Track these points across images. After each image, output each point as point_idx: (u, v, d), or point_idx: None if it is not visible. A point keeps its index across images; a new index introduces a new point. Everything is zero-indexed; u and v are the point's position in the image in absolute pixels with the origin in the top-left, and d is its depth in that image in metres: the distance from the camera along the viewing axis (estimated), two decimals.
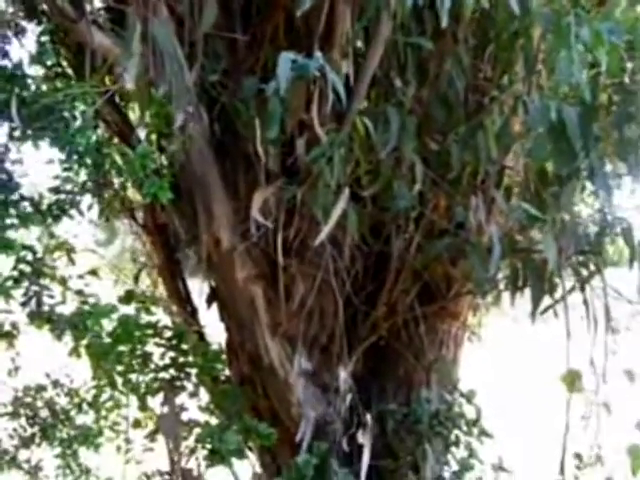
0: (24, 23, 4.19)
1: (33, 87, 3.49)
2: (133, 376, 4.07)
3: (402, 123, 3.62)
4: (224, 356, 4.32)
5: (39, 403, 4.75)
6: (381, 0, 3.38)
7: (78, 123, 3.44)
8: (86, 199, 3.80)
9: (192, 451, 4.08)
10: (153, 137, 3.92)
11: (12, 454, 4.75)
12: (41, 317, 3.72)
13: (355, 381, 4.32)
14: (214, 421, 4.24)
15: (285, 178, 3.87)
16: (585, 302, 3.89)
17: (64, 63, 4.45)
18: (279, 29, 3.91)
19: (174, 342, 4.13)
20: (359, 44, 3.94)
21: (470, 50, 3.84)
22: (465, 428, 4.40)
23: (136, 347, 4.02)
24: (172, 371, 4.13)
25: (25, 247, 3.68)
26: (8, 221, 3.49)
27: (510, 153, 3.98)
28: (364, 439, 4.21)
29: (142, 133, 4.23)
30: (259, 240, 3.92)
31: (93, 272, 4.09)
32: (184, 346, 4.13)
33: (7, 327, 4.18)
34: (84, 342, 3.82)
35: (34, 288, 3.68)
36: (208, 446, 4.00)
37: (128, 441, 4.74)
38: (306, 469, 4.00)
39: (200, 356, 4.13)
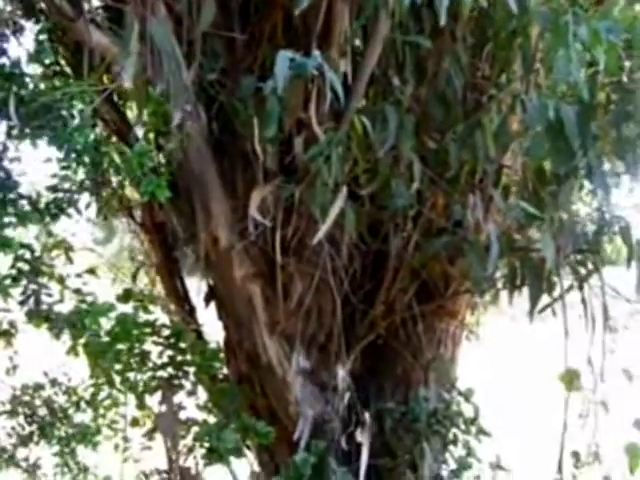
0: (22, 21, 4.19)
1: (31, 85, 3.49)
2: (131, 374, 4.07)
3: (400, 122, 3.62)
4: (222, 355, 4.33)
5: (37, 401, 4.76)
6: None
7: (76, 122, 3.44)
8: (84, 197, 3.81)
9: (190, 450, 4.08)
10: (151, 136, 3.92)
11: (10, 452, 4.75)
12: (39, 316, 3.72)
13: (353, 380, 4.32)
14: (212, 420, 4.24)
15: (283, 177, 3.87)
16: (583, 301, 3.89)
17: (62, 62, 4.45)
18: (277, 28, 3.90)
19: (172, 341, 4.13)
20: (357, 43, 3.94)
21: (468, 49, 3.84)
22: (463, 427, 4.40)
23: (134, 345, 4.01)
24: (170, 370, 4.13)
25: (23, 245, 3.68)
26: (6, 219, 3.49)
27: (508, 152, 3.98)
28: (362, 438, 4.21)
29: (140, 132, 4.23)
30: (257, 239, 3.92)
31: (91, 271, 4.10)
32: (182, 345, 4.13)
33: (5, 326, 4.17)
34: (82, 341, 3.82)
35: (32, 287, 3.68)
36: (206, 445, 4.00)
37: (126, 439, 4.75)
38: (304, 468, 4.00)
39: (198, 355, 4.13)
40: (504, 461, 4.48)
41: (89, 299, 3.84)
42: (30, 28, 4.15)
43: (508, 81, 3.87)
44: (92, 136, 3.52)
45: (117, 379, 4.10)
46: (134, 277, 5.46)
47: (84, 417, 4.79)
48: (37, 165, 3.68)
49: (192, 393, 4.21)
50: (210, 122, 3.93)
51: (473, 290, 4.38)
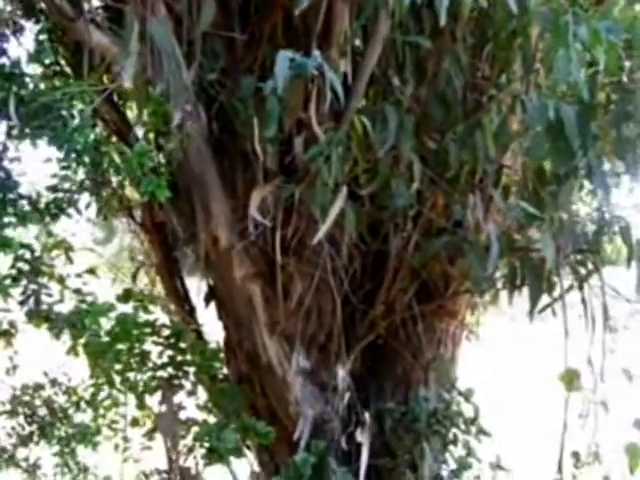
0: (22, 21, 4.19)
1: (31, 85, 3.49)
2: (131, 374, 4.07)
3: (400, 122, 3.62)
4: (222, 355, 4.33)
5: (37, 401, 4.76)
6: None
7: (76, 122, 3.44)
8: (84, 198, 3.80)
9: (190, 450, 4.08)
10: (151, 136, 3.92)
11: (10, 452, 4.75)
12: (39, 316, 3.72)
13: (353, 380, 4.32)
14: (212, 420, 4.24)
15: (283, 177, 3.87)
16: (583, 301, 3.89)
17: (62, 62, 4.45)
18: (277, 28, 3.90)
19: (172, 341, 4.13)
20: (357, 43, 3.94)
21: (468, 49, 3.83)
22: (463, 427, 4.40)
23: (134, 346, 4.01)
24: (170, 370, 4.13)
25: (23, 245, 3.68)
26: (6, 219, 3.49)
27: (508, 152, 3.99)
28: (362, 438, 4.21)
29: (140, 132, 4.23)
30: (257, 239, 3.92)
31: (91, 271, 4.09)
32: (182, 345, 4.13)
33: (5, 326, 4.18)
34: (82, 341, 3.82)
35: (32, 286, 3.68)
36: (206, 445, 4.00)
37: (126, 439, 4.74)
38: (304, 468, 4.00)
39: (198, 355, 4.13)
40: (504, 461, 4.48)
41: (89, 299, 3.84)
42: (30, 28, 4.15)
43: (508, 81, 3.87)
44: (92, 136, 3.52)
45: (117, 379, 4.09)
46: (134, 277, 5.46)
47: (84, 417, 4.79)
48: (37, 165, 3.68)
49: (192, 393, 4.20)
50: (210, 122, 3.93)
51: (473, 290, 4.39)
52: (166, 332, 4.14)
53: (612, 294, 3.96)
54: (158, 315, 4.30)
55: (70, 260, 3.97)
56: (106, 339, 3.87)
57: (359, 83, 3.62)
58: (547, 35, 3.42)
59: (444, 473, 4.40)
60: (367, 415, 4.25)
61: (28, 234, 3.89)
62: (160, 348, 4.12)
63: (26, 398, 4.74)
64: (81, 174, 3.63)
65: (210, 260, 4.06)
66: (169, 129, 3.59)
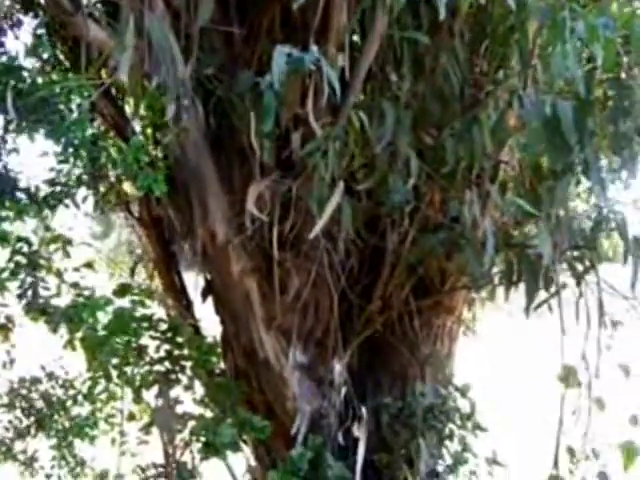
0: (20, 15, 4.19)
1: (29, 79, 3.48)
2: (128, 369, 4.08)
3: (397, 117, 3.61)
4: (219, 349, 4.33)
5: (34, 395, 4.77)
6: None
7: (74, 116, 3.45)
8: (81, 192, 3.81)
9: (187, 444, 4.09)
10: (149, 130, 3.93)
11: (8, 445, 4.77)
12: (37, 309, 3.73)
13: (350, 375, 4.33)
14: (209, 414, 4.25)
15: (280, 172, 3.87)
16: (580, 296, 3.89)
17: (60, 56, 4.45)
18: (275, 23, 3.91)
19: (169, 335, 4.13)
20: (355, 38, 3.94)
21: (466, 45, 3.83)
22: (459, 422, 4.41)
23: (131, 340, 4.02)
24: (167, 364, 4.13)
25: (21, 239, 3.69)
26: (3, 213, 3.49)
27: (505, 148, 3.98)
28: (359, 433, 4.21)
29: (138, 126, 4.24)
30: (254, 234, 3.91)
31: (89, 265, 4.09)
32: (179, 339, 4.14)
33: (2, 320, 4.18)
34: (79, 334, 3.82)
35: (30, 280, 3.68)
36: (203, 439, 4.00)
37: (123, 433, 4.75)
38: (300, 462, 4.01)
39: (195, 349, 4.14)
40: (500, 456, 4.49)
41: (87, 293, 3.85)
42: (28, 22, 4.16)
43: (505, 77, 3.87)
44: (90, 130, 3.53)
45: (114, 373, 4.10)
46: (132, 271, 5.46)
47: (81, 411, 4.80)
48: (34, 159, 3.68)
49: (189, 387, 4.21)
50: (207, 117, 3.91)
51: (470, 286, 4.39)
52: (163, 326, 4.14)
53: (609, 291, 3.96)
54: (155, 309, 4.31)
55: (68, 254, 3.97)
56: (103, 333, 3.88)
57: (357, 78, 3.61)
58: (545, 31, 3.41)
59: (440, 468, 4.41)
60: (364, 410, 4.24)
61: (26, 227, 3.89)
62: (157, 342, 4.13)
63: (23, 391, 4.76)
64: (78, 168, 3.63)
65: (207, 255, 4.06)
66: (166, 123, 3.59)
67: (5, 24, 4.06)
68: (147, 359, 4.10)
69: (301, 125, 3.64)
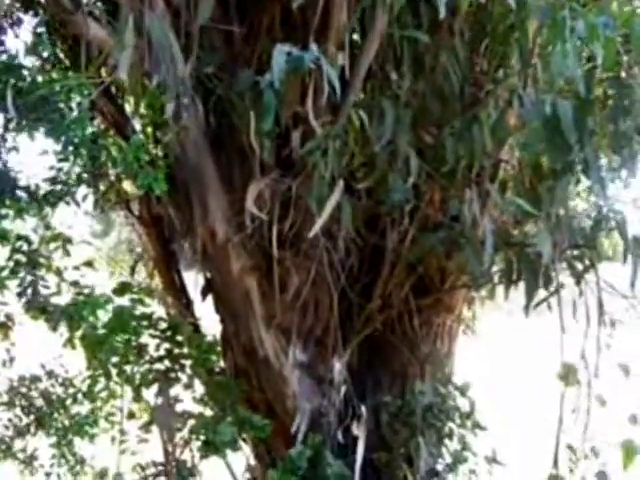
0: (20, 14, 4.20)
1: (29, 78, 3.49)
2: (128, 367, 4.08)
3: (397, 116, 3.62)
4: (219, 348, 4.33)
5: (34, 393, 4.77)
6: None
7: (74, 114, 3.45)
8: (81, 190, 3.81)
9: (186, 442, 4.09)
10: (149, 129, 3.93)
11: (7, 444, 4.77)
12: (37, 307, 3.73)
13: (350, 373, 4.33)
14: (208, 413, 4.25)
15: (280, 170, 3.87)
16: (580, 296, 3.89)
17: (60, 54, 4.46)
18: (275, 21, 3.91)
19: (169, 333, 4.13)
20: (355, 37, 3.94)
21: (466, 43, 3.83)
22: (459, 421, 4.41)
23: (131, 338, 4.02)
24: (167, 362, 4.13)
25: (20, 237, 3.69)
26: (3, 211, 3.49)
27: (505, 146, 3.99)
28: (359, 431, 4.22)
29: (139, 125, 4.24)
30: (254, 232, 3.91)
31: (89, 263, 4.10)
32: (179, 337, 4.14)
33: (2, 318, 4.19)
34: (79, 333, 3.82)
35: (30, 278, 3.68)
36: (202, 437, 4.01)
37: (123, 432, 4.75)
38: (300, 461, 4.01)
39: (195, 348, 4.14)
40: (500, 455, 4.49)
41: (86, 291, 3.85)
42: (28, 21, 4.16)
43: (505, 76, 3.87)
44: (90, 129, 3.53)
45: (114, 371, 4.10)
46: (132, 270, 5.47)
47: (81, 409, 4.81)
48: (34, 157, 3.69)
49: (189, 386, 4.21)
50: (207, 115, 3.91)
51: (470, 285, 4.39)
52: (163, 325, 4.14)
53: (608, 290, 3.96)
54: (155, 308, 4.31)
55: (68, 252, 3.97)
56: (103, 331, 3.88)
57: (356, 77, 3.61)
58: (545, 30, 3.41)
59: (439, 467, 4.41)
60: (363, 409, 4.25)
61: (26, 226, 3.89)
62: (157, 341, 4.13)
63: (23, 390, 4.77)
64: (78, 167, 3.64)
65: (207, 253, 4.06)
66: (166, 122, 3.59)
67: (5, 22, 4.06)
68: (147, 357, 4.10)
69: (301, 124, 3.65)
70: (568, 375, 3.78)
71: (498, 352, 10.40)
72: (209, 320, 4.57)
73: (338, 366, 4.26)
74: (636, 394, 4.49)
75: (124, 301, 4.06)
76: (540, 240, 3.62)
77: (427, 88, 3.82)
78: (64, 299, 3.81)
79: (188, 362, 4.15)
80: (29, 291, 3.70)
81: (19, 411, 4.76)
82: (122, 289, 4.11)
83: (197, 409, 4.26)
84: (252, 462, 4.64)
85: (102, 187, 4.18)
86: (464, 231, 3.79)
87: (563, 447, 3.97)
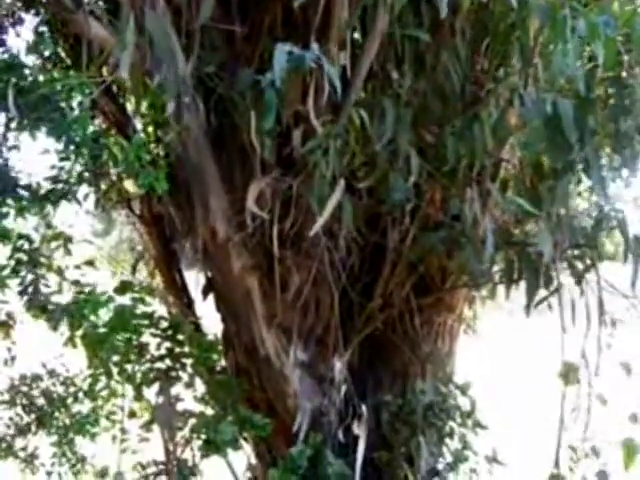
0: (22, 13, 4.20)
1: (30, 77, 3.49)
2: (129, 366, 4.08)
3: (398, 115, 3.62)
4: (220, 347, 4.33)
5: (35, 392, 4.78)
6: None
7: (75, 113, 3.45)
8: (83, 189, 3.81)
9: (187, 441, 4.09)
10: (150, 128, 3.93)
11: (8, 442, 4.77)
12: (38, 306, 3.73)
13: (351, 372, 4.33)
14: (209, 412, 4.25)
15: (281, 169, 3.87)
16: (581, 294, 3.89)
17: (61, 53, 4.46)
18: (276, 21, 3.90)
19: (170, 332, 4.14)
20: (356, 36, 3.94)
21: (467, 42, 3.83)
22: (459, 420, 4.41)
23: (132, 337, 4.02)
24: (168, 361, 4.14)
25: (21, 236, 3.69)
26: (5, 210, 3.49)
27: (506, 146, 3.99)
28: (359, 430, 4.22)
29: (140, 124, 4.24)
30: (255, 231, 3.91)
31: (90, 262, 4.10)
32: (180, 336, 4.14)
33: (3, 317, 4.19)
34: (80, 332, 3.83)
35: (31, 277, 3.69)
36: (203, 436, 4.01)
37: (123, 431, 4.75)
38: (300, 460, 4.01)
39: (196, 347, 4.14)
40: (500, 454, 4.49)
41: (87, 290, 3.85)
42: (29, 20, 4.16)
43: (506, 75, 3.87)
44: (91, 128, 3.53)
45: (115, 370, 4.10)
46: (133, 269, 5.47)
47: (82, 408, 4.81)
48: (36, 156, 3.69)
49: (190, 385, 4.21)
50: (208, 114, 3.91)
51: (470, 284, 4.40)
52: (164, 324, 4.15)
53: (609, 289, 3.96)
54: (156, 307, 4.31)
55: (69, 251, 3.97)
56: (104, 330, 3.88)
57: (357, 76, 3.61)
58: (546, 29, 3.41)
59: (440, 466, 4.41)
60: (364, 408, 4.25)
61: (27, 225, 3.90)
62: (158, 340, 4.13)
63: (24, 388, 4.77)
64: (80, 166, 3.64)
65: (208, 252, 4.06)
66: (167, 121, 3.59)
67: (6, 21, 4.06)
68: (148, 356, 4.11)
69: (302, 123, 3.65)
70: (568, 373, 3.78)
71: (499, 351, 10.39)
72: (210, 319, 4.58)
73: (339, 365, 4.26)
74: (637, 393, 4.49)
75: (125, 300, 4.06)
76: (541, 239, 3.63)
77: (428, 87, 3.82)
78: (65, 298, 3.82)
79: (189, 361, 4.16)
80: (30, 290, 3.70)
81: (20, 410, 4.76)
82: (123, 288, 4.12)
83: (198, 408, 4.26)
84: (253, 461, 4.64)
85: (103, 186, 4.18)
86: (465, 230, 3.79)
87: (564, 446, 3.97)
